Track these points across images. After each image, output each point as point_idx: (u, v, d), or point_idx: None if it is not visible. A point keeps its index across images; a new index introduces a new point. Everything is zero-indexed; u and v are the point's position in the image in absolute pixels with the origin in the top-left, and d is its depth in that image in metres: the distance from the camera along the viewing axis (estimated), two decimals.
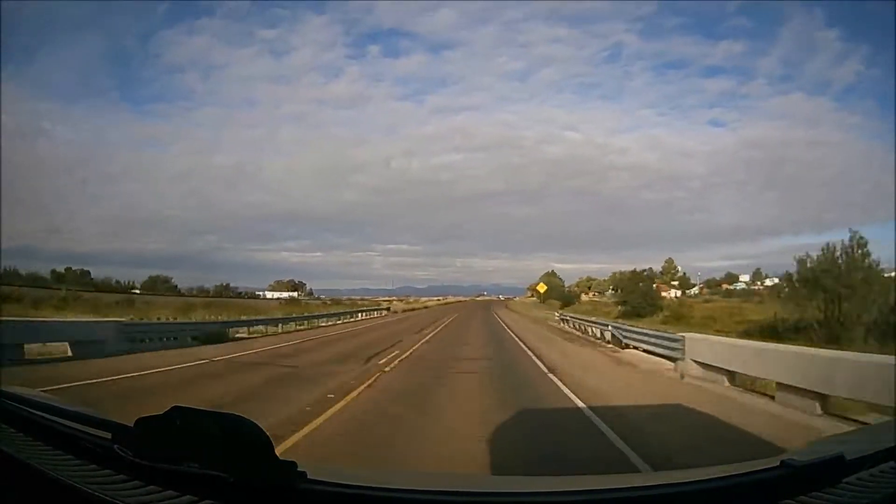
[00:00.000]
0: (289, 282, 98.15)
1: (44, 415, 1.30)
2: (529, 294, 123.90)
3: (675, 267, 78.30)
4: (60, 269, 51.06)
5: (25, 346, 10.48)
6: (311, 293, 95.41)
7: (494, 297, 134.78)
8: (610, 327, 16.99)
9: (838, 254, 18.81)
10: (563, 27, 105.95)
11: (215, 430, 0.97)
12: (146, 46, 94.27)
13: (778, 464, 1.12)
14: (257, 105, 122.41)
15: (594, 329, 19.18)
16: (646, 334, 13.15)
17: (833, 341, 15.30)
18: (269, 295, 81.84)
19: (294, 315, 27.30)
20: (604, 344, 16.24)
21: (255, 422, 0.99)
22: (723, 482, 1.14)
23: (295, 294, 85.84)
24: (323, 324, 27.95)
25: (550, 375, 9.69)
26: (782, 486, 1.08)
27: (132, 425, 1.06)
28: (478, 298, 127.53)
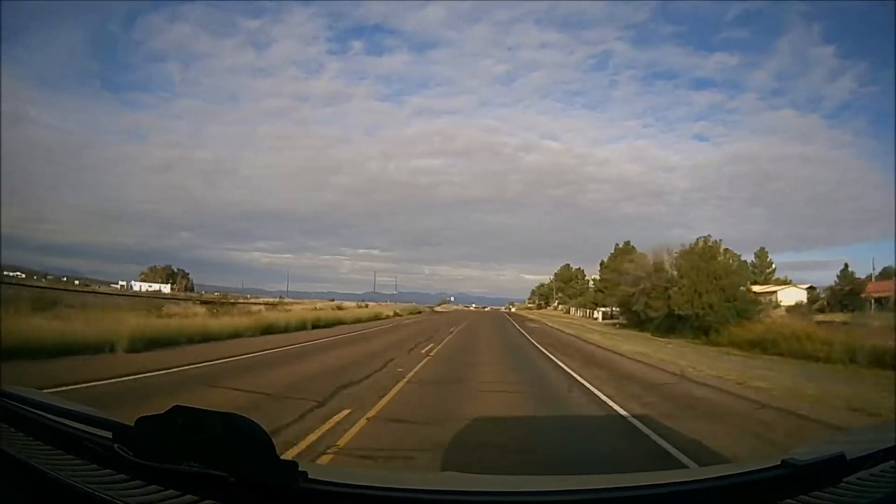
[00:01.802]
0: (164, 269, 76.76)
1: (44, 415, 1.29)
2: (534, 303, 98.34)
3: (769, 261, 49.18)
4: None
5: None
6: (190, 287, 75.15)
7: (463, 307, 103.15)
8: None
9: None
10: (554, 31, 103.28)
11: (216, 430, 0.97)
12: (129, 32, 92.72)
13: (779, 463, 1.12)
14: (237, 99, 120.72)
15: None
16: None
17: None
18: (137, 286, 64.14)
19: None
20: None
21: (257, 422, 0.98)
22: (723, 481, 1.14)
23: (167, 288, 65.80)
24: None
25: None
26: (783, 486, 1.08)
27: (133, 425, 1.06)
28: (437, 309, 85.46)
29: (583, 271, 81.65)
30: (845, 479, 1.11)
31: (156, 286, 65.95)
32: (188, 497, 1.00)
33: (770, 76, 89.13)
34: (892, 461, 1.17)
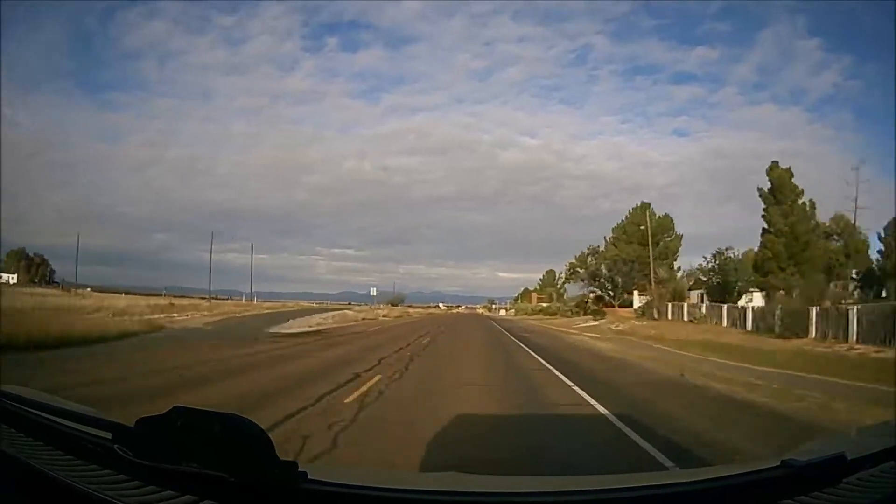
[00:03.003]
0: (17, 252, 59.96)
1: (44, 415, 1.30)
2: (551, 299, 54.06)
3: None
4: None
5: None
6: (48, 278, 60.89)
7: (410, 312, 57.32)
8: None
9: None
10: (532, 24, 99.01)
11: (216, 430, 0.97)
12: (104, 29, 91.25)
13: (778, 463, 1.12)
14: (211, 97, 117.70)
15: None
16: None
17: None
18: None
19: None
20: None
21: (256, 422, 0.97)
22: (723, 482, 1.14)
23: (12, 279, 51.07)
24: None
25: None
26: (783, 486, 1.08)
27: (133, 425, 1.06)
28: (306, 323, 25.84)
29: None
30: (845, 480, 1.10)
31: (6, 276, 54.18)
32: (187, 497, 1.00)
33: (753, 69, 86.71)
34: (892, 461, 1.17)
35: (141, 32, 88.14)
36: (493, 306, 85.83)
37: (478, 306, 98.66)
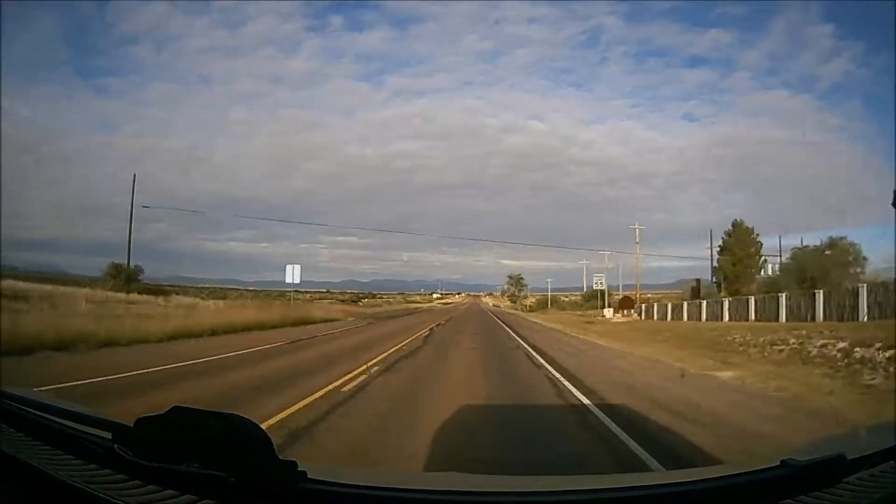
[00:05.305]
0: None
1: (44, 415, 1.30)
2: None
3: None
4: None
5: None
6: None
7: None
8: None
9: None
10: (543, 5, 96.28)
11: (215, 430, 0.97)
12: (102, 14, 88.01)
13: (778, 463, 1.12)
14: (210, 82, 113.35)
15: None
16: None
17: None
18: None
19: None
20: None
21: (256, 422, 0.99)
22: (723, 482, 1.14)
23: None
24: None
25: None
26: (783, 486, 1.08)
27: (132, 425, 1.06)
28: None
29: None
30: (845, 480, 1.10)
31: None
32: (187, 497, 1.00)
33: (765, 55, 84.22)
34: (892, 461, 1.17)
35: (138, 15, 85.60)
36: (521, 291, 57.86)
37: (482, 294, 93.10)
